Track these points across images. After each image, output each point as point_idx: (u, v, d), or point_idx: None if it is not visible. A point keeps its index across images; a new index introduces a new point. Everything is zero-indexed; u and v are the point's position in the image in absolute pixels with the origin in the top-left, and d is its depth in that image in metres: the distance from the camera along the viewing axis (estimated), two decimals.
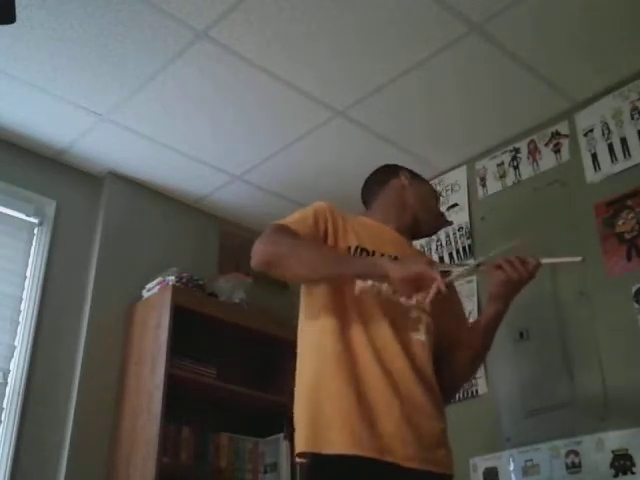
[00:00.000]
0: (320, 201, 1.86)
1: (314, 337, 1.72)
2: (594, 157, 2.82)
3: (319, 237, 1.76)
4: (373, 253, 1.78)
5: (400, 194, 1.98)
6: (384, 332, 1.68)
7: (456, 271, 1.72)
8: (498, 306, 1.79)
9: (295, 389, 1.73)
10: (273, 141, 3.16)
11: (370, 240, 1.81)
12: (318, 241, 1.75)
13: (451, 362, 1.85)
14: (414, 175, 2.06)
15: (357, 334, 1.68)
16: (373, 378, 1.63)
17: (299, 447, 1.63)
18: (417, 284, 1.56)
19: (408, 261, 1.63)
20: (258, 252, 1.68)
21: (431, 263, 1.64)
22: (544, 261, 1.73)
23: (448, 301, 1.86)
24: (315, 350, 1.70)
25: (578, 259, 1.72)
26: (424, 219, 1.99)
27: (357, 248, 1.77)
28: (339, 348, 1.66)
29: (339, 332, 1.68)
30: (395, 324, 1.70)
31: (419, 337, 1.74)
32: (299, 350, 1.77)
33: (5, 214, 3.08)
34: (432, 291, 1.55)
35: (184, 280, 3.11)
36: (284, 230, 1.72)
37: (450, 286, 1.94)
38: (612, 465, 2.39)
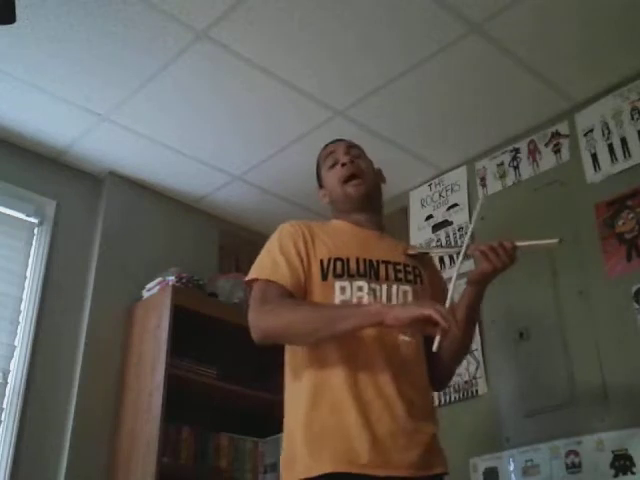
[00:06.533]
0: (282, 224, 1.84)
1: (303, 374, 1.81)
2: (594, 157, 2.81)
3: (298, 271, 1.73)
4: (348, 260, 1.75)
5: (329, 200, 1.96)
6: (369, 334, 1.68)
7: (434, 252, 1.71)
8: (479, 289, 1.79)
9: (285, 422, 1.79)
10: (273, 141, 3.16)
11: (344, 245, 1.79)
12: (309, 301, 1.73)
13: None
14: (317, 167, 2.00)
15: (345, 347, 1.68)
16: (369, 383, 1.64)
17: (300, 474, 1.63)
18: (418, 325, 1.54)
19: (404, 305, 1.66)
20: (255, 329, 1.74)
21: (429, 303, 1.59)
22: (519, 244, 1.72)
23: (432, 292, 1.85)
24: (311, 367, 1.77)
25: (554, 241, 1.70)
26: (340, 196, 1.90)
27: (329, 260, 1.75)
28: (340, 353, 1.68)
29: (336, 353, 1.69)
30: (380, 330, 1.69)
31: (405, 338, 1.72)
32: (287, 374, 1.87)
33: (5, 214, 3.08)
34: (436, 338, 1.51)
35: (184, 280, 3.11)
36: (270, 293, 1.74)
37: (434, 276, 1.95)
38: (612, 465, 2.39)
